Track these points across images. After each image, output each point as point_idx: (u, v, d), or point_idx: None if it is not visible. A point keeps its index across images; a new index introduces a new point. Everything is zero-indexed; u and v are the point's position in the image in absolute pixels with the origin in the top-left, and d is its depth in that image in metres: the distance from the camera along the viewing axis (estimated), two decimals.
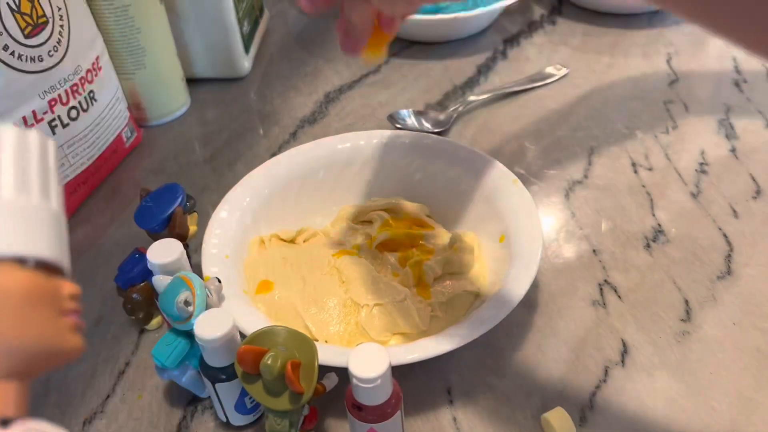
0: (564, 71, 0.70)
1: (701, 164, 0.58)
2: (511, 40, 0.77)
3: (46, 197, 0.22)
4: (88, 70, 0.56)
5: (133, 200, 0.59)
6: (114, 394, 0.44)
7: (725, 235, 0.51)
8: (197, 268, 0.44)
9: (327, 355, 0.38)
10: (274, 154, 0.61)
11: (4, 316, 0.20)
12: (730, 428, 0.39)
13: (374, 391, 0.34)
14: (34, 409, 0.44)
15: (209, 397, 0.43)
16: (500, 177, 0.50)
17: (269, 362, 0.34)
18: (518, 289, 0.42)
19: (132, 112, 0.64)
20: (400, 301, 0.43)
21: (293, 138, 0.65)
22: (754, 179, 0.56)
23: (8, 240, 0.21)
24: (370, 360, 0.34)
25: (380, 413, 0.35)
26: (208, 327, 0.36)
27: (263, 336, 0.36)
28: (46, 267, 0.22)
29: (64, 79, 0.53)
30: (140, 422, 0.42)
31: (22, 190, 0.21)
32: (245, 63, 0.73)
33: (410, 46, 0.77)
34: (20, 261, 0.21)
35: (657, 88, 0.67)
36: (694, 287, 0.48)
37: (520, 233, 0.46)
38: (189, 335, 0.40)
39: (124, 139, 0.62)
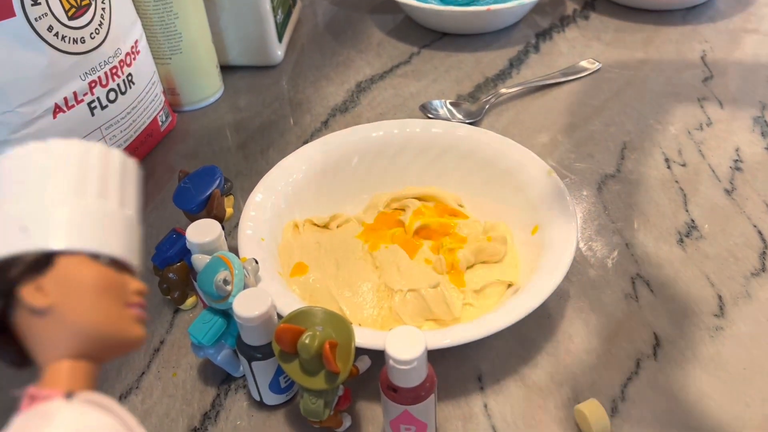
0: (597, 65, 0.70)
1: (736, 161, 0.57)
2: (543, 34, 0.77)
3: (123, 205, 0.26)
4: (127, 54, 0.57)
5: (167, 183, 0.60)
6: (149, 371, 0.45)
7: (760, 233, 0.51)
8: (233, 251, 0.45)
9: (362, 337, 0.38)
10: (305, 142, 0.62)
11: (75, 302, 0.23)
12: (762, 424, 0.39)
13: (410, 374, 0.34)
14: None
15: (243, 376, 0.43)
16: (534, 168, 0.50)
17: (307, 341, 0.35)
18: (551, 279, 0.42)
19: (167, 97, 0.65)
20: (433, 287, 0.44)
21: (325, 126, 0.66)
22: None
23: (85, 238, 0.24)
24: (406, 342, 0.34)
25: (415, 396, 0.36)
26: (247, 305, 0.37)
27: (301, 315, 0.36)
28: (116, 264, 0.25)
29: (104, 61, 0.54)
30: (174, 399, 0.43)
31: (103, 197, 0.25)
32: (278, 51, 0.73)
33: (441, 38, 0.77)
34: (94, 257, 0.24)
35: (691, 84, 0.67)
36: (728, 283, 0.47)
37: (554, 224, 0.46)
38: (225, 314, 0.41)
39: (160, 123, 0.63)
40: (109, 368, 0.45)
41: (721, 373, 0.42)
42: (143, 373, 0.45)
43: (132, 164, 0.27)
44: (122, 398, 0.43)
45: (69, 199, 0.24)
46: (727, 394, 0.41)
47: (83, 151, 0.25)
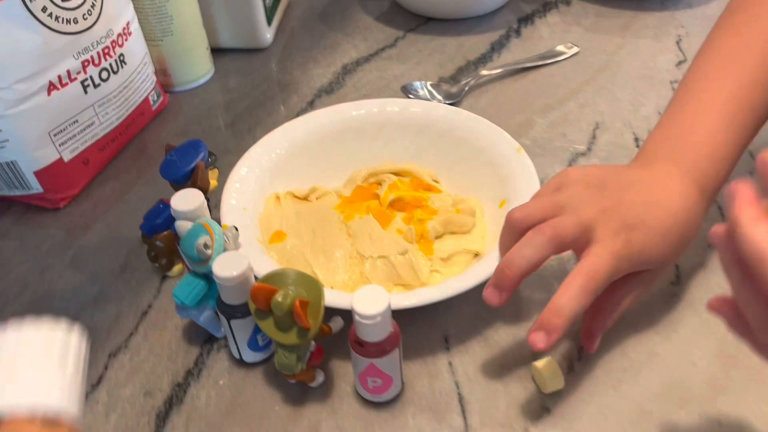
0: (575, 50, 0.72)
1: None
2: (526, 19, 0.79)
3: (71, 374, 0.30)
4: (119, 34, 0.59)
5: (158, 160, 0.63)
6: (137, 333, 0.48)
7: (719, 207, 0.53)
8: (216, 220, 0.48)
9: (333, 298, 0.41)
10: None
11: None
12: (708, 381, 0.42)
13: (374, 328, 0.37)
14: None
15: (225, 336, 0.46)
16: (505, 145, 0.52)
17: (279, 299, 0.37)
18: None
19: (159, 78, 0.67)
20: (402, 254, 0.46)
21: (311, 107, 0.68)
22: (752, 156, 0.57)
23: (27, 400, 0.28)
24: (371, 299, 0.37)
25: (380, 349, 0.38)
26: (226, 267, 0.40)
27: (275, 277, 0.39)
28: (53, 422, 0.29)
29: (97, 41, 0.56)
30: (160, 357, 0.46)
31: (55, 369, 0.29)
32: (267, 35, 0.76)
33: (426, 22, 0.79)
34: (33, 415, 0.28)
35: (665, 68, 0.69)
36: (686, 254, 0.50)
37: (521, 198, 0.48)
38: (207, 277, 0.43)
39: (151, 102, 0.65)
40: (99, 329, 0.48)
41: (672, 335, 0.45)
42: (131, 334, 0.48)
43: (83, 345, 0.32)
44: (111, 356, 0.46)
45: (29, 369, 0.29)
46: (676, 353, 0.44)
47: (43, 336, 0.30)
